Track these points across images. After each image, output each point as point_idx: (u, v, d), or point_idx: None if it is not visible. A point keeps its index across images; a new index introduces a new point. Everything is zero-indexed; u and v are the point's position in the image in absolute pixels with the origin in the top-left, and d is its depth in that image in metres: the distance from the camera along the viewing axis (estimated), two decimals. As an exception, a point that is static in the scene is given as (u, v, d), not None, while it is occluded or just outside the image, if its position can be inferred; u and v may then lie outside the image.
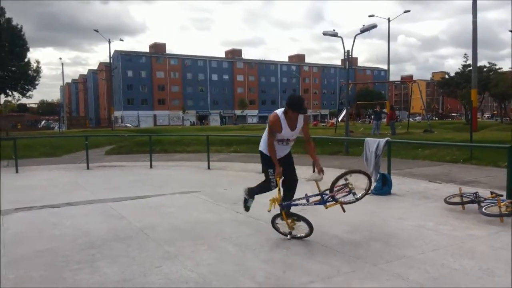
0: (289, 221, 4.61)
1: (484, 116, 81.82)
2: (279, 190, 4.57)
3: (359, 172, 4.64)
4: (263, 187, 4.88)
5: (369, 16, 38.68)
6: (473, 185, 7.68)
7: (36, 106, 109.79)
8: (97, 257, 4.20)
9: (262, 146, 4.78)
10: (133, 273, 3.73)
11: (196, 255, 4.22)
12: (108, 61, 65.16)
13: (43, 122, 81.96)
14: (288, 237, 4.62)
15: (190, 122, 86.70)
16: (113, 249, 4.45)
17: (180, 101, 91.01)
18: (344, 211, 4.48)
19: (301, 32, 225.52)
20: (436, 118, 72.94)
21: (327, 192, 4.49)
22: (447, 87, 47.24)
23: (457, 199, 5.96)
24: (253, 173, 10.32)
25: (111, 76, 59.92)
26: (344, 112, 25.80)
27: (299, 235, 4.65)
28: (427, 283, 3.42)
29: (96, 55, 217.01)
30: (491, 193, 5.84)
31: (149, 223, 5.49)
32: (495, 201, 5.49)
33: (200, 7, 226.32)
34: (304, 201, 4.56)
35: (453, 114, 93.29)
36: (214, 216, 5.93)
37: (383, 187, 7.19)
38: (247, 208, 5.13)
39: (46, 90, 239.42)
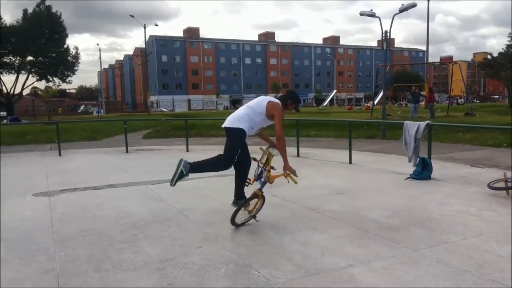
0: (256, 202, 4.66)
1: (529, 98, 78.03)
2: (271, 182, 4.76)
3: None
4: (212, 165, 4.45)
5: (407, -5, 37.18)
6: (518, 170, 7.37)
7: (75, 91, 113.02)
8: (140, 237, 4.33)
9: (245, 124, 4.49)
10: (175, 253, 3.83)
11: (235, 236, 4.29)
12: (143, 46, 66.22)
13: (82, 107, 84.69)
14: (257, 219, 4.63)
15: (224, 106, 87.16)
16: (154, 229, 4.58)
17: (214, 85, 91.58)
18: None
19: (334, 14, 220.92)
20: (477, 101, 70.19)
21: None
22: (489, 68, 45.29)
23: (501, 184, 5.77)
24: (289, 157, 10.29)
25: (147, 61, 60.77)
26: (381, 94, 25.22)
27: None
28: (471, 269, 3.34)
29: (131, 40, 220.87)
30: (538, 178, 5.62)
31: (187, 205, 5.61)
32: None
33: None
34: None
35: (495, 96, 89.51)
36: (251, 199, 5.96)
37: (423, 172, 7.02)
38: (174, 182, 4.26)
39: (84, 76, 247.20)
